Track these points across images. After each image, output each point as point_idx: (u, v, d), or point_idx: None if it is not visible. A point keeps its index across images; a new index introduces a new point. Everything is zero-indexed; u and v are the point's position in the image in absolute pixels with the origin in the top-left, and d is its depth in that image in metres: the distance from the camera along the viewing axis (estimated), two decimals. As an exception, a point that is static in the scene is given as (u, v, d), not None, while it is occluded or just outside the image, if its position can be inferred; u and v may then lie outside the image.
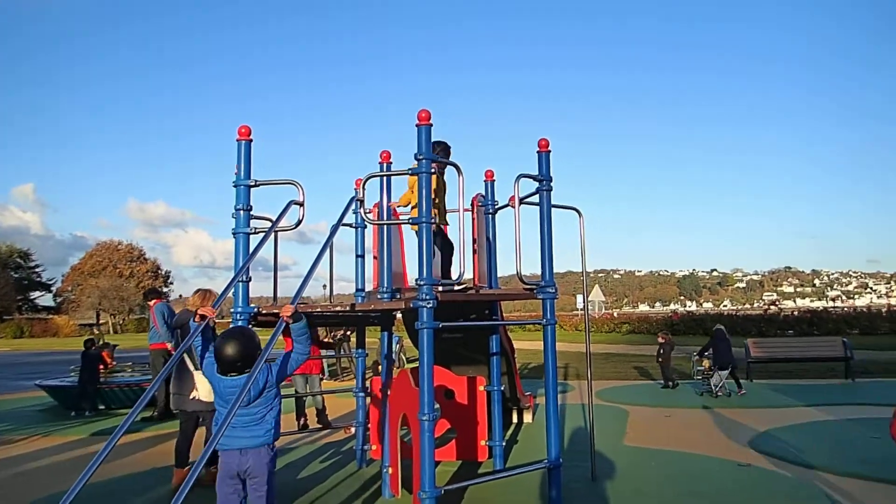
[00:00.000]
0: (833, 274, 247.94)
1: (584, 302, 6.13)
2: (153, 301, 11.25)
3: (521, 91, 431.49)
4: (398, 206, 6.67)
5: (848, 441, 7.90)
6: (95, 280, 72.25)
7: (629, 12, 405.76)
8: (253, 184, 5.52)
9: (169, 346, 10.60)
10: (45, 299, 78.09)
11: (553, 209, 5.98)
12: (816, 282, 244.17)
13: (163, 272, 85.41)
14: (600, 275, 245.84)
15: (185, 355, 6.65)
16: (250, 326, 5.36)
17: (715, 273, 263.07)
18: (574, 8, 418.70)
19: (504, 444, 6.98)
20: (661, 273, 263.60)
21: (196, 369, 6.55)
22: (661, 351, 13.49)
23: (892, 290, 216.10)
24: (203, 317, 4.33)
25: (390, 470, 5.91)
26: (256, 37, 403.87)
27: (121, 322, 70.81)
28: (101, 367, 12.69)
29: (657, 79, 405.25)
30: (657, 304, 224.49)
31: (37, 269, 76.39)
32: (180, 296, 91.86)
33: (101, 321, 70.71)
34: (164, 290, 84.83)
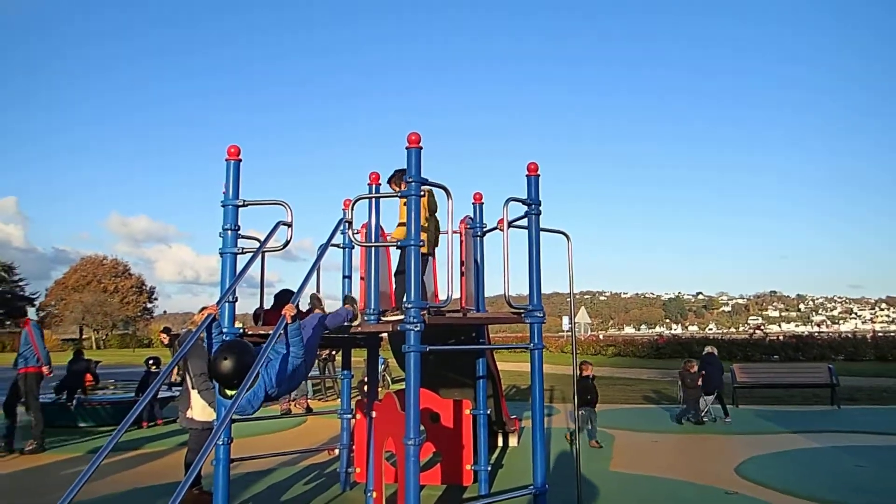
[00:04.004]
0: (818, 299, 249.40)
1: (571, 326, 6.12)
2: (26, 320, 9.96)
3: (510, 110, 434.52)
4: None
5: (834, 469, 7.89)
6: (79, 295, 71.59)
7: (614, 34, 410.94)
8: (241, 204, 5.48)
9: (45, 369, 9.56)
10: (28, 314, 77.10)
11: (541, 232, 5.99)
12: (801, 306, 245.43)
13: (147, 288, 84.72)
14: (586, 296, 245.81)
15: (185, 373, 6.61)
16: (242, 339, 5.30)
17: (700, 296, 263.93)
18: (561, 28, 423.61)
19: (489, 468, 6.92)
20: (646, 295, 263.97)
21: (193, 388, 6.50)
22: (689, 380, 11.87)
23: (877, 316, 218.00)
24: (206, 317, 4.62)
25: (374, 494, 5.85)
26: (245, 52, 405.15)
27: (104, 338, 70.13)
28: (90, 378, 12.56)
29: (644, 99, 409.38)
30: (642, 326, 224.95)
31: (20, 283, 75.44)
32: (164, 312, 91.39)
33: (84, 336, 69.99)
34: (149, 305, 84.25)
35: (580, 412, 9.01)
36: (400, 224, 6.09)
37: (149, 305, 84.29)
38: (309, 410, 13.18)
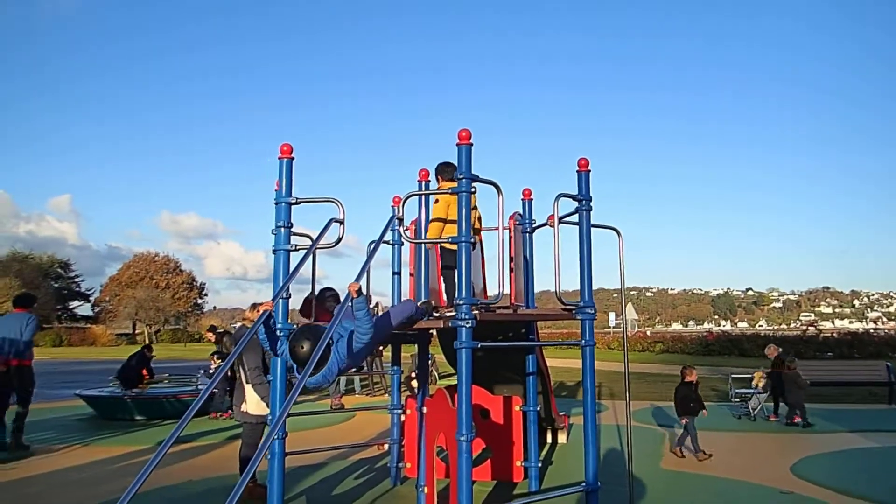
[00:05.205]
0: (873, 295, 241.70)
1: (622, 322, 6.06)
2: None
3: (561, 107, 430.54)
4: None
5: (892, 469, 7.69)
6: (133, 291, 73.48)
7: (666, 33, 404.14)
8: (294, 201, 5.57)
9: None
10: (83, 309, 79.49)
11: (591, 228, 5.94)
12: (856, 303, 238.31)
13: (197, 284, 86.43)
14: (633, 292, 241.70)
15: (240, 368, 6.72)
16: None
17: (750, 292, 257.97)
18: (613, 26, 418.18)
19: (539, 464, 6.92)
20: (694, 291, 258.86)
21: (247, 382, 6.61)
22: (800, 381, 11.30)
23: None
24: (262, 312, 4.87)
25: (426, 489, 5.89)
26: (292, 48, 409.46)
27: (156, 333, 71.88)
28: (145, 372, 12.92)
29: (694, 98, 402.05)
30: (690, 322, 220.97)
31: (76, 279, 77.85)
32: (214, 308, 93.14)
33: (137, 331, 71.85)
34: (200, 301, 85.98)
35: (683, 421, 8.79)
36: (433, 220, 6.10)
37: (199, 301, 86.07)
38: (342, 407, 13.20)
